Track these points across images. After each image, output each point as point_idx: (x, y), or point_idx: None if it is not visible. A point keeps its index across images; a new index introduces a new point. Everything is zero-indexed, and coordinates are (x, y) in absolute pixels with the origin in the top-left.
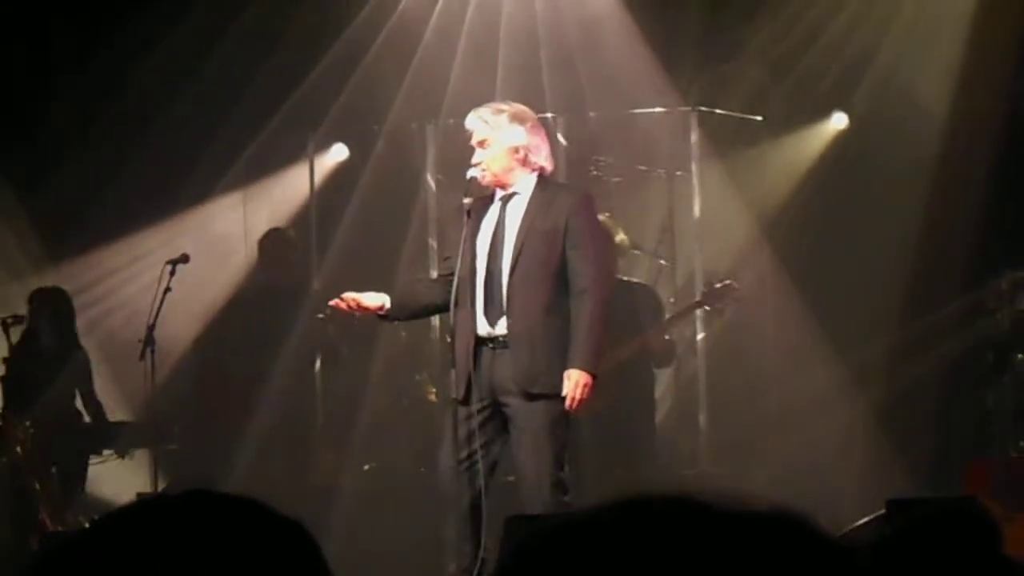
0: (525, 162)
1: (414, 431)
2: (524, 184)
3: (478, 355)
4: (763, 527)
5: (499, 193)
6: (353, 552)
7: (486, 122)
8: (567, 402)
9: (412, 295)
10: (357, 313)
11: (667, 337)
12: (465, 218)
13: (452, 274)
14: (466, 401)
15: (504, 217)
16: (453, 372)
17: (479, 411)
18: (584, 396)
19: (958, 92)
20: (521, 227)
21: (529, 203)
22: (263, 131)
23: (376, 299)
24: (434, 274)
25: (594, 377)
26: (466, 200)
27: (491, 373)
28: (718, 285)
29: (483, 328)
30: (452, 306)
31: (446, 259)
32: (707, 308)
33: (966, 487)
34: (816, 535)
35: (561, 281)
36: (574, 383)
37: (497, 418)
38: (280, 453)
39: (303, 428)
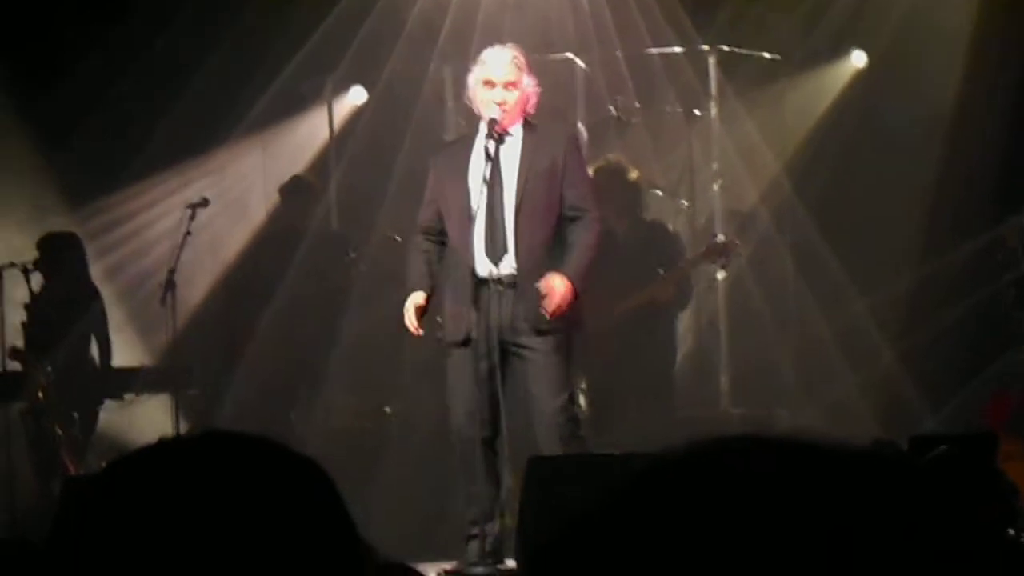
0: (528, 107)
1: (435, 373)
2: (517, 126)
3: (478, 296)
4: (867, 464)
5: (483, 135)
6: (374, 495)
7: (518, 67)
8: (547, 302)
9: (429, 271)
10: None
11: (671, 286)
12: (485, 162)
13: (437, 223)
14: (466, 343)
15: (499, 158)
16: (448, 314)
17: (489, 352)
18: (564, 305)
19: (979, 29)
20: (521, 167)
21: (524, 144)
22: (282, 74)
23: (421, 299)
24: (424, 242)
25: (575, 297)
26: (487, 143)
27: (498, 313)
28: (721, 240)
29: (484, 269)
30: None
31: (429, 204)
32: (711, 263)
33: (987, 423)
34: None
35: (560, 219)
36: (556, 285)
37: (506, 358)
38: (302, 396)
39: (325, 371)
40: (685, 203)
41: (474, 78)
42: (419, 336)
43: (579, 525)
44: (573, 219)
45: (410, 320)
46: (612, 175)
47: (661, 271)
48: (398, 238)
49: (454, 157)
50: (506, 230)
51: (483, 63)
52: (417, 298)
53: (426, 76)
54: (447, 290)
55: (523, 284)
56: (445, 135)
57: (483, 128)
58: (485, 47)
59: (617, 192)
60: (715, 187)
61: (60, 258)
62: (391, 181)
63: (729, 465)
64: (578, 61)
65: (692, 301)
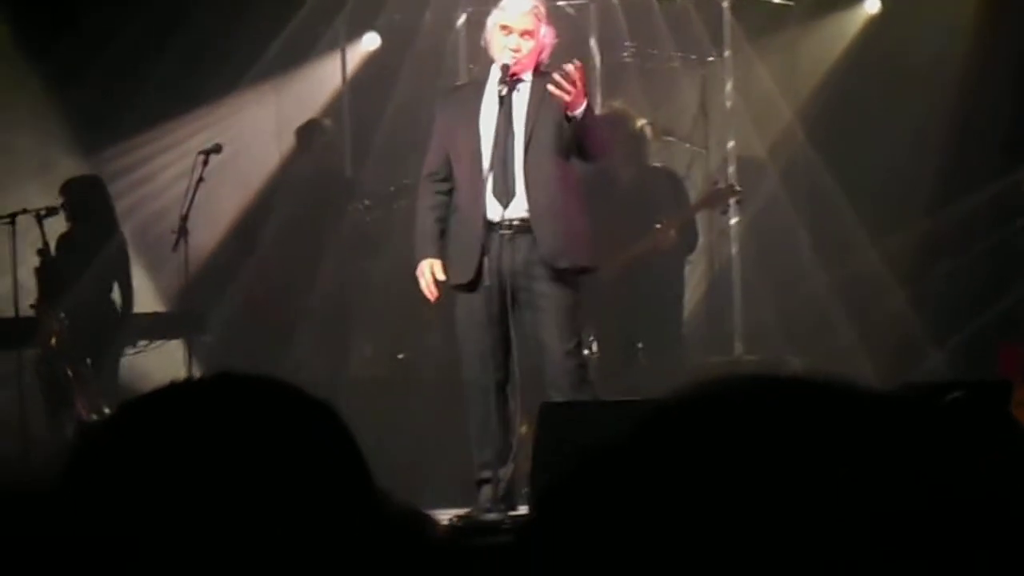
0: (542, 56)
1: (448, 320)
2: (528, 73)
3: (488, 240)
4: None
5: (494, 79)
6: (387, 441)
7: (537, 16)
8: (559, 75)
9: (440, 231)
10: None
11: (672, 232)
12: (496, 106)
13: (444, 168)
14: (473, 286)
15: (510, 103)
16: (456, 257)
17: (500, 296)
18: (576, 89)
19: None
20: (529, 112)
21: (534, 90)
22: (295, 19)
23: (439, 268)
24: (433, 196)
25: (574, 119)
26: (500, 87)
27: (510, 257)
28: (721, 186)
29: (495, 212)
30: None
31: (436, 149)
32: (711, 210)
33: (1000, 371)
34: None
35: (571, 162)
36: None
37: (516, 303)
38: (316, 343)
39: (339, 318)
40: (703, 151)
41: (492, 22)
42: (435, 301)
43: (586, 466)
44: None
45: (430, 288)
46: (617, 122)
47: (662, 220)
48: (397, 184)
49: (464, 102)
50: (516, 174)
51: (502, 9)
52: (435, 266)
53: (439, 21)
54: (455, 234)
55: (538, 225)
56: (456, 80)
57: (494, 72)
58: None
59: (622, 140)
60: (728, 134)
61: (84, 203)
62: (404, 126)
63: (737, 404)
64: (589, 8)
65: (698, 248)
